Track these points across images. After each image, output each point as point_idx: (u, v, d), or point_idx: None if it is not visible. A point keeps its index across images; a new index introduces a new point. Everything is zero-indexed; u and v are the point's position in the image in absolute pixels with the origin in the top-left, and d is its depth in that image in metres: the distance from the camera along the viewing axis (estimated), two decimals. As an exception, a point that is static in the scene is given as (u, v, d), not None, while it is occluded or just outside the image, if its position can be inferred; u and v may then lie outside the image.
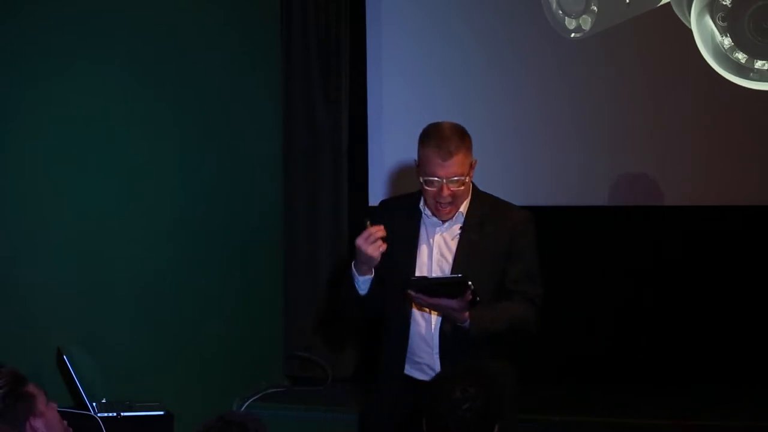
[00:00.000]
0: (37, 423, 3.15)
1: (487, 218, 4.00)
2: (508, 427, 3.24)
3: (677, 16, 5.91)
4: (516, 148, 6.13)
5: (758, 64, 5.83)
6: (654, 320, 6.03)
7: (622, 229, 6.07)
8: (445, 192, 3.89)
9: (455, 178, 3.89)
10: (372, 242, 3.88)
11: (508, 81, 6.13)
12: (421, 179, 3.93)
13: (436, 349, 3.96)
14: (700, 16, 5.88)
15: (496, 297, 3.98)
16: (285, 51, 6.24)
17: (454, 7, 6.19)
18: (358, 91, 6.28)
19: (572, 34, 6.08)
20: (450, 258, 3.98)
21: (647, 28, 5.95)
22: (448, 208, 3.95)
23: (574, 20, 6.07)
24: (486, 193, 4.09)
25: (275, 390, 5.91)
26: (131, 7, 5.42)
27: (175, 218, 5.60)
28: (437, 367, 3.94)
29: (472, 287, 3.78)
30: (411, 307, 3.98)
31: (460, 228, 3.99)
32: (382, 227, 3.90)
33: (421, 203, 4.03)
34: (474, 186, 4.06)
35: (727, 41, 5.86)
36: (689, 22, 5.89)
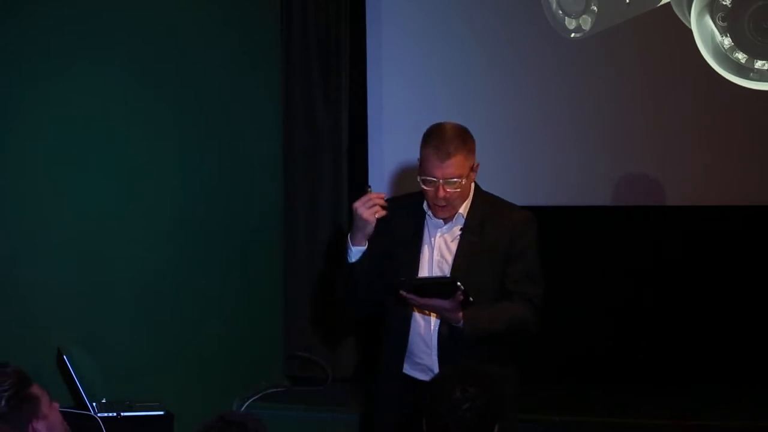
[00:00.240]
0: (40, 425, 3.15)
1: (487, 219, 4.00)
2: (508, 427, 3.24)
3: (677, 16, 5.91)
4: (516, 148, 6.13)
5: (758, 64, 5.83)
6: (654, 320, 6.03)
7: (622, 229, 6.07)
8: (441, 193, 3.89)
9: (452, 180, 3.88)
10: (369, 207, 3.90)
11: (508, 81, 6.13)
12: (419, 178, 3.94)
13: (435, 350, 3.97)
14: (700, 16, 5.88)
15: (498, 298, 3.97)
16: (285, 51, 6.24)
17: (454, 7, 6.19)
18: (358, 91, 6.27)
19: (572, 34, 6.08)
20: (450, 259, 3.98)
21: (647, 28, 5.95)
22: (444, 210, 3.95)
23: (574, 20, 6.07)
24: (488, 193, 4.09)
25: (275, 390, 5.91)
26: (131, 7, 5.42)
27: (175, 218, 5.60)
28: (435, 368, 3.94)
29: (462, 288, 3.78)
30: (411, 308, 3.98)
31: (461, 229, 3.99)
32: (383, 195, 3.94)
33: (425, 203, 4.03)
34: (477, 186, 4.05)
35: (727, 41, 5.86)
36: (689, 22, 5.89)
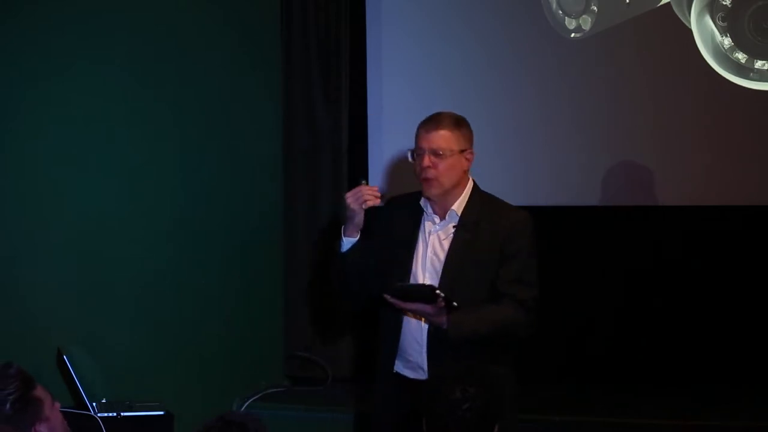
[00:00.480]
0: (42, 427, 3.15)
1: (484, 218, 4.00)
2: (508, 427, 3.24)
3: (677, 16, 5.91)
4: (516, 148, 6.13)
5: (758, 64, 5.83)
6: (654, 320, 6.03)
7: (622, 229, 6.07)
8: (425, 162, 3.94)
9: (438, 152, 3.93)
10: (357, 197, 3.95)
11: (508, 81, 6.13)
12: (410, 157, 4.01)
13: (425, 348, 3.97)
14: (700, 16, 5.88)
15: (490, 298, 3.97)
16: (285, 51, 6.24)
17: (454, 7, 6.19)
18: (358, 91, 6.27)
19: (572, 34, 6.08)
20: (442, 256, 3.99)
21: (647, 28, 5.95)
22: (431, 183, 3.96)
23: (574, 20, 6.07)
24: (487, 193, 4.09)
25: (275, 390, 5.91)
26: (131, 7, 5.42)
27: (175, 218, 5.60)
28: (425, 366, 3.95)
29: (442, 295, 3.79)
30: (403, 311, 3.99)
31: (454, 227, 4.00)
32: (375, 188, 3.98)
33: (422, 200, 4.05)
34: (475, 186, 4.06)
35: (727, 41, 5.86)
36: (689, 22, 5.89)
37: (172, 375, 5.46)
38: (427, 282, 3.96)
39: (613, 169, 6.03)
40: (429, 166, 3.94)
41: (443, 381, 3.13)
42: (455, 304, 3.82)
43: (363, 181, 4.03)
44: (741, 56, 5.85)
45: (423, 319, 3.95)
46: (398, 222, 4.07)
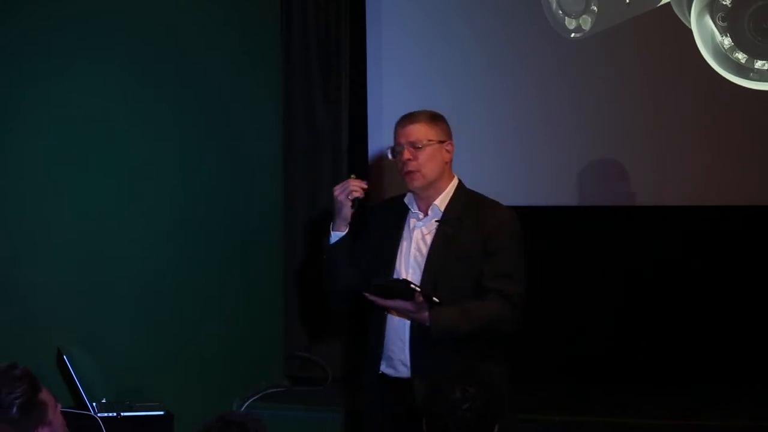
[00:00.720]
0: (44, 431, 3.15)
1: (467, 214, 4.02)
2: (507, 426, 3.24)
3: (677, 16, 5.91)
4: (516, 148, 6.13)
5: (758, 64, 5.83)
6: (654, 320, 6.03)
7: (622, 229, 6.07)
8: (405, 155, 3.99)
9: (416, 144, 3.99)
10: (343, 188, 4.01)
11: (508, 81, 6.13)
12: (390, 154, 4.07)
13: (407, 344, 3.97)
14: (700, 16, 5.88)
15: (475, 294, 3.96)
16: (285, 51, 6.24)
17: (454, 7, 6.19)
18: (358, 91, 6.28)
19: (572, 34, 6.08)
20: (425, 251, 3.99)
21: (647, 28, 5.95)
22: (413, 176, 3.99)
23: (574, 20, 6.07)
24: (473, 190, 4.12)
25: (275, 390, 5.91)
26: (131, 7, 5.42)
27: (175, 218, 5.60)
28: (408, 363, 3.96)
29: (418, 289, 3.80)
30: (387, 310, 4.00)
31: (437, 221, 4.01)
32: (363, 182, 4.03)
33: (407, 197, 4.08)
34: (460, 183, 4.10)
35: (727, 41, 5.86)
36: (689, 22, 5.89)
37: (172, 375, 5.46)
38: (410, 277, 3.96)
39: (613, 169, 6.03)
40: (409, 159, 3.99)
41: (443, 381, 3.13)
42: (436, 299, 3.82)
43: (352, 175, 4.08)
44: (741, 56, 5.85)
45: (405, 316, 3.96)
46: (383, 221, 4.11)
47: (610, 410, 5.52)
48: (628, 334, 6.03)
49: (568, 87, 6.07)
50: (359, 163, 6.26)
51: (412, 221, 4.06)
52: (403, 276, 3.98)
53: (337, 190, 4.03)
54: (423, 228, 4.04)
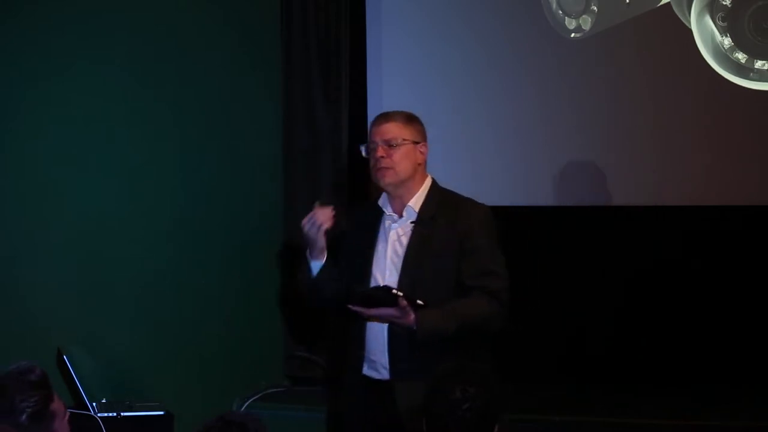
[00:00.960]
0: None
1: (442, 213, 4.01)
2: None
3: (677, 16, 5.91)
4: (516, 148, 6.12)
5: (758, 64, 5.83)
6: (654, 320, 6.03)
7: (622, 229, 6.07)
8: (379, 152, 3.98)
9: (390, 142, 3.98)
10: (312, 223, 3.95)
11: (508, 81, 6.13)
12: (363, 152, 4.06)
13: (386, 347, 3.96)
14: (700, 16, 5.87)
15: (455, 294, 3.95)
16: (285, 51, 6.24)
17: (454, 7, 6.19)
18: (358, 91, 6.27)
19: (572, 34, 6.08)
20: (401, 253, 3.98)
21: (647, 28, 5.95)
22: (387, 173, 3.98)
23: (574, 20, 6.07)
24: (447, 189, 4.11)
25: (275, 390, 5.91)
26: (131, 7, 5.43)
27: (175, 218, 5.60)
28: (387, 365, 3.95)
29: (400, 294, 3.78)
30: (368, 318, 3.99)
31: (412, 222, 4.01)
32: (329, 207, 3.98)
33: (381, 200, 4.08)
34: (433, 182, 4.08)
35: (727, 41, 5.86)
36: (689, 22, 5.89)
37: (172, 375, 5.47)
38: (387, 279, 3.96)
39: (613, 169, 6.03)
40: (383, 156, 3.98)
41: (443, 381, 3.13)
42: (420, 302, 3.81)
43: (317, 203, 4.02)
44: (741, 56, 5.84)
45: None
46: (359, 225, 4.10)
47: (610, 410, 5.52)
48: (628, 334, 6.03)
49: (568, 87, 6.06)
50: (359, 163, 6.26)
51: (387, 223, 4.05)
52: (380, 280, 3.97)
53: (306, 225, 3.97)
54: (398, 229, 4.02)
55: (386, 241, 4.02)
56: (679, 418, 5.37)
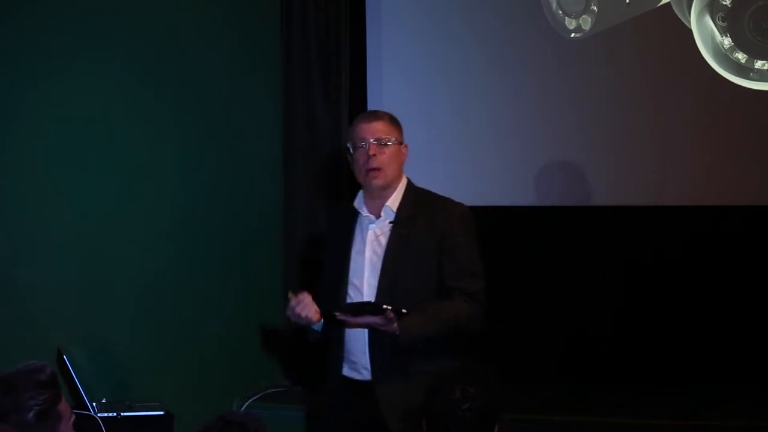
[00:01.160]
0: None
1: (420, 213, 4.00)
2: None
3: (677, 16, 5.91)
4: (516, 148, 6.12)
5: (758, 64, 5.83)
6: (654, 320, 6.03)
7: (622, 229, 6.07)
8: (372, 151, 3.96)
9: (381, 140, 3.97)
10: (296, 316, 3.93)
11: (508, 81, 6.13)
12: (351, 151, 4.03)
13: (367, 348, 3.96)
14: (700, 16, 5.88)
15: (435, 294, 3.95)
16: (285, 51, 6.24)
17: (454, 7, 6.19)
18: (358, 91, 6.27)
19: (572, 34, 6.08)
20: (381, 253, 3.98)
21: (647, 28, 5.95)
22: (377, 174, 3.97)
23: (574, 20, 6.07)
24: (422, 188, 4.10)
25: (275, 390, 5.91)
26: (131, 7, 5.42)
27: (175, 218, 5.60)
28: (368, 366, 3.96)
29: (389, 308, 3.78)
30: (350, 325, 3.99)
31: (390, 222, 4.00)
32: (302, 296, 3.93)
33: (356, 201, 4.06)
34: (409, 182, 4.08)
35: (727, 41, 5.86)
36: (689, 22, 5.89)
37: (172, 375, 5.46)
38: (366, 280, 3.96)
39: (613, 169, 6.04)
40: (375, 154, 3.97)
41: (443, 381, 3.13)
42: (404, 311, 3.81)
43: (290, 294, 3.98)
44: (741, 56, 5.85)
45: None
46: (334, 232, 4.11)
47: (610, 410, 5.52)
48: (628, 334, 6.03)
49: (568, 87, 6.07)
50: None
51: (364, 224, 4.04)
52: (359, 282, 3.97)
53: (293, 317, 3.95)
54: (376, 229, 4.02)
55: (364, 242, 4.02)
56: (679, 418, 5.37)
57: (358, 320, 3.87)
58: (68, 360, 4.89)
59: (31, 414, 3.08)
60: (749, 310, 5.92)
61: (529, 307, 6.10)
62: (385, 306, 3.79)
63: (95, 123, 5.28)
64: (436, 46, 6.19)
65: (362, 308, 3.86)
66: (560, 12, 6.08)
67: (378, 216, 4.02)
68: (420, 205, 4.02)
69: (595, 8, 6.02)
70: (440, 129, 6.15)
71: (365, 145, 3.98)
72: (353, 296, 3.98)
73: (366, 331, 3.94)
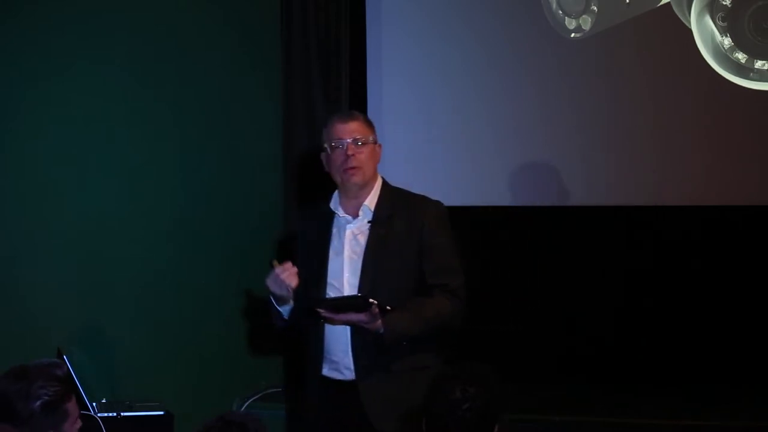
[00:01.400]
0: None
1: (397, 211, 4.02)
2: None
3: (677, 16, 5.91)
4: (516, 148, 6.12)
5: (758, 64, 5.83)
6: (653, 320, 6.03)
7: (622, 229, 6.07)
8: (350, 150, 3.98)
9: (358, 139, 3.99)
10: (279, 284, 3.92)
11: (508, 81, 6.13)
12: (328, 151, 4.02)
13: (350, 348, 3.96)
14: (700, 16, 5.88)
15: (416, 292, 3.96)
16: (285, 51, 6.24)
17: (454, 7, 6.19)
18: (358, 91, 6.27)
19: (572, 34, 6.08)
20: (360, 253, 3.98)
21: (647, 28, 5.95)
22: (356, 172, 3.98)
23: (574, 20, 6.07)
24: (397, 187, 4.12)
25: (275, 390, 5.91)
26: (131, 7, 5.43)
27: (175, 218, 5.60)
28: (352, 366, 3.95)
29: (375, 302, 3.78)
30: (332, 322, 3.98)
31: (369, 222, 4.00)
32: (288, 264, 3.93)
33: (332, 202, 4.06)
34: (384, 181, 4.09)
35: (727, 41, 5.86)
36: (689, 22, 5.89)
37: (172, 375, 5.46)
38: (347, 279, 3.96)
39: (613, 169, 6.04)
40: (353, 154, 3.98)
41: (443, 381, 3.13)
42: (388, 308, 3.82)
43: (274, 262, 3.96)
44: (741, 56, 5.85)
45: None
46: (310, 233, 4.09)
47: (610, 410, 5.52)
48: (628, 334, 6.03)
49: (568, 87, 6.06)
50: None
51: (341, 224, 4.04)
52: (338, 282, 3.97)
53: (273, 286, 3.93)
54: (354, 229, 4.02)
55: (342, 242, 4.02)
56: (679, 418, 5.38)
57: (342, 317, 3.86)
58: (68, 360, 4.88)
59: (38, 403, 3.07)
60: (749, 310, 5.92)
61: (529, 307, 6.10)
62: (371, 300, 3.79)
63: (95, 123, 5.28)
64: (436, 46, 6.19)
65: (347, 303, 3.85)
66: (560, 12, 6.08)
67: (355, 216, 4.03)
68: (397, 204, 4.03)
69: (595, 8, 6.02)
70: (440, 129, 6.15)
71: (343, 145, 4.00)
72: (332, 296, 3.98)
73: (347, 330, 3.94)
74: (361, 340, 3.91)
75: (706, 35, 5.88)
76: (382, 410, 3.89)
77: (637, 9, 5.95)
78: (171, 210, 5.59)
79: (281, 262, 3.95)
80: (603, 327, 6.04)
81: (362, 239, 3.99)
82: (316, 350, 4.02)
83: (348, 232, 4.02)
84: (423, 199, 4.08)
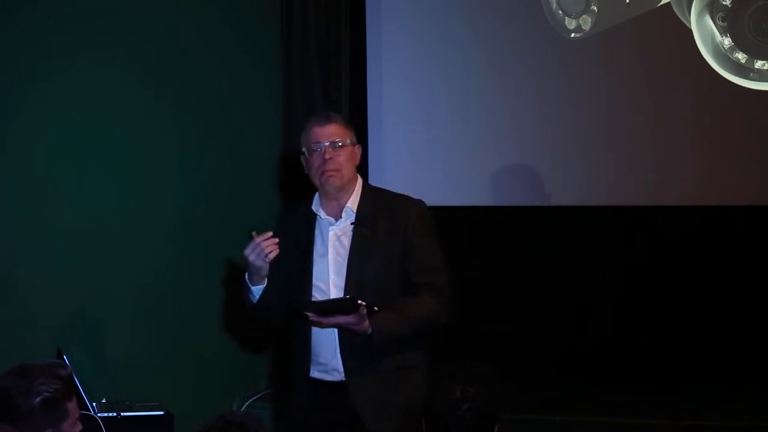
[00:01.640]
0: None
1: (380, 212, 4.01)
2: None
3: (677, 16, 5.91)
4: (516, 148, 6.13)
5: (758, 64, 5.83)
6: (653, 320, 6.04)
7: (622, 229, 6.07)
8: (327, 154, 3.96)
9: (336, 142, 3.97)
10: (258, 253, 3.92)
11: (508, 81, 6.13)
12: (306, 154, 4.01)
13: (338, 350, 3.95)
14: (700, 16, 5.88)
15: (401, 292, 3.96)
16: (285, 51, 6.24)
17: (454, 7, 6.19)
18: (358, 91, 6.27)
19: (572, 34, 6.08)
20: (344, 254, 3.97)
21: (647, 28, 5.96)
22: (334, 174, 3.97)
23: (574, 20, 6.07)
24: (379, 188, 4.12)
25: (275, 390, 5.90)
26: (131, 7, 5.43)
27: (175, 218, 5.60)
28: (340, 368, 3.94)
29: (364, 304, 3.78)
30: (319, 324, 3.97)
31: (352, 223, 4.00)
32: (269, 234, 3.93)
33: (313, 204, 4.05)
34: (365, 182, 4.09)
35: (727, 41, 5.86)
36: (689, 22, 5.90)
37: (172, 375, 5.46)
38: (332, 281, 3.96)
39: (613, 169, 6.04)
40: (331, 158, 3.97)
41: (443, 381, 3.13)
42: (376, 308, 3.82)
43: (254, 233, 3.97)
44: (741, 56, 5.85)
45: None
46: (292, 233, 4.06)
47: (610, 410, 5.52)
48: (628, 334, 6.04)
49: (568, 87, 6.07)
50: (358, 163, 6.25)
51: (324, 227, 4.03)
52: (323, 284, 3.97)
53: (252, 256, 3.94)
54: (337, 230, 4.01)
55: (325, 244, 4.01)
56: (679, 418, 5.38)
57: (330, 320, 3.85)
58: (68, 360, 4.89)
59: (38, 399, 3.07)
60: (749, 310, 5.92)
61: (529, 307, 6.10)
62: (360, 302, 3.79)
63: (95, 123, 5.28)
64: (436, 46, 6.19)
65: (335, 305, 3.85)
66: (560, 12, 6.08)
67: (338, 218, 4.02)
68: (380, 204, 4.03)
69: (595, 8, 6.02)
70: (440, 129, 6.15)
71: (320, 148, 3.98)
72: (319, 298, 3.97)
73: (335, 332, 3.93)
74: (348, 341, 3.91)
75: (706, 35, 5.88)
76: (374, 410, 3.88)
77: (637, 9, 5.95)
78: (171, 210, 5.59)
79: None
80: (603, 327, 6.05)
81: (346, 241, 3.99)
82: (303, 353, 4.01)
83: (331, 234, 4.01)
84: (405, 199, 4.08)
